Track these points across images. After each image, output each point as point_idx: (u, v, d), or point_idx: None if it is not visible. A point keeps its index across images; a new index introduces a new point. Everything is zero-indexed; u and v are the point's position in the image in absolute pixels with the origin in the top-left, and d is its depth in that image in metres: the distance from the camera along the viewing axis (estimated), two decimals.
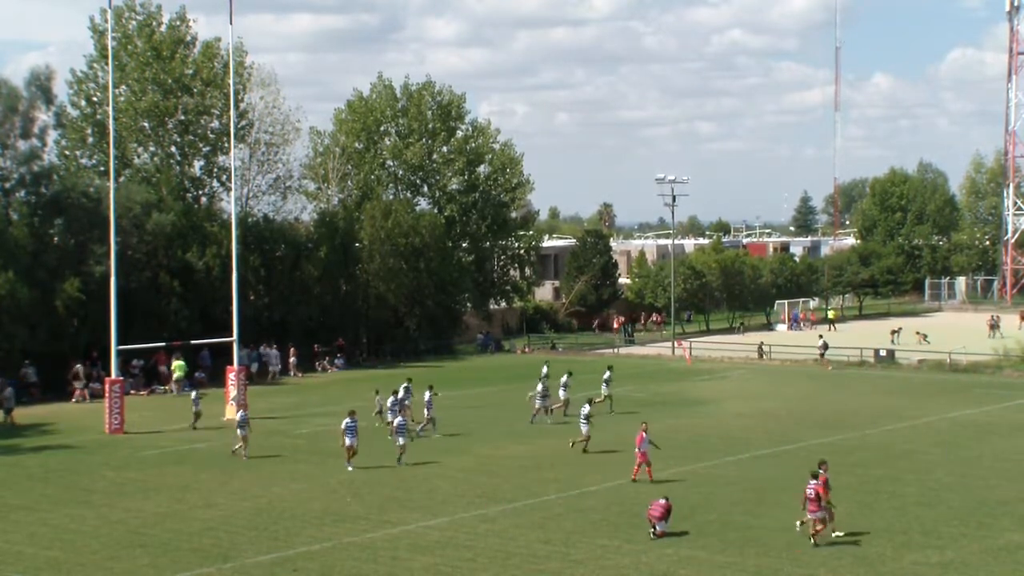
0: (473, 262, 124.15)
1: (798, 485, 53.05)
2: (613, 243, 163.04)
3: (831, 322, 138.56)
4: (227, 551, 42.61)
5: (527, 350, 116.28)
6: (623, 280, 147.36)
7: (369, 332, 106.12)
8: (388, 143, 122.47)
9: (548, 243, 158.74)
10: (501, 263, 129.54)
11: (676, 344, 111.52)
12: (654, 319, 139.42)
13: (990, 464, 58.97)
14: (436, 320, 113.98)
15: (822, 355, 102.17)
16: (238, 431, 59.40)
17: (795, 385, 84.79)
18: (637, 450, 53.38)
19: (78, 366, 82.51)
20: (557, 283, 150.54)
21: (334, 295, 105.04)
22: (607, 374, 72.10)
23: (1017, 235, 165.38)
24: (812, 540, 43.58)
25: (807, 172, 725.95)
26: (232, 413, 72.92)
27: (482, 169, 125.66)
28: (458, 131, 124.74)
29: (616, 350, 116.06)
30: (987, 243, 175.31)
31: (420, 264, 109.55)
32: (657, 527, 44.12)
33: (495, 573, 40.16)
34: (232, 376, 74.16)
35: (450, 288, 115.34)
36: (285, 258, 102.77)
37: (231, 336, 76.96)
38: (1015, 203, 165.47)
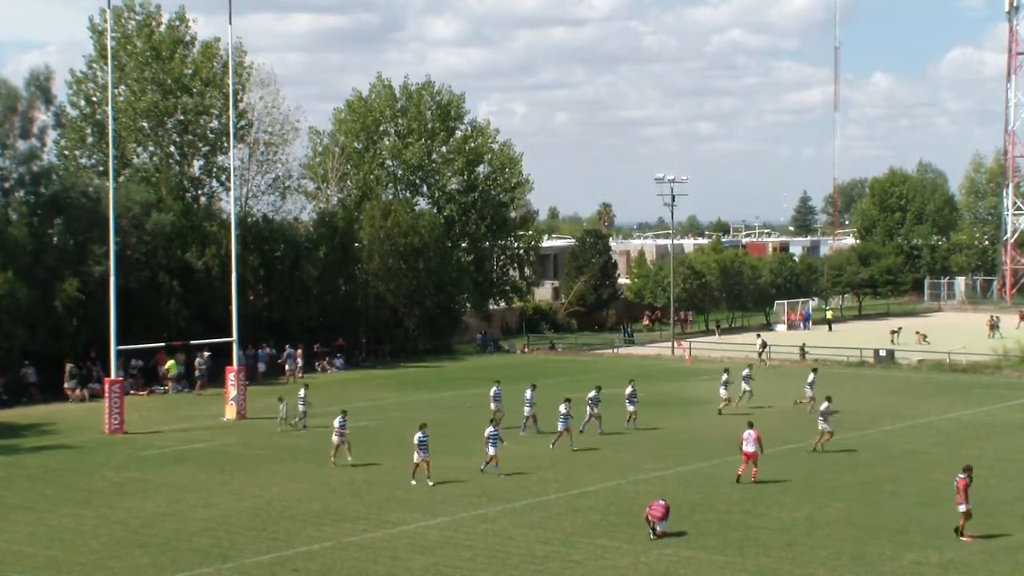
0: (472, 262, 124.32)
1: (797, 485, 53.43)
2: (612, 243, 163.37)
3: (829, 322, 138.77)
4: (227, 551, 42.59)
5: (527, 350, 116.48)
6: (622, 280, 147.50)
7: (368, 332, 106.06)
8: (387, 143, 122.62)
9: (547, 243, 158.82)
10: (500, 263, 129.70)
11: (676, 344, 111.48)
12: (682, 317, 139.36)
13: (990, 464, 58.78)
14: (435, 320, 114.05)
15: (760, 354, 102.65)
16: (335, 438, 57.89)
17: (796, 385, 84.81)
18: (744, 449, 53.58)
19: (69, 366, 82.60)
20: (556, 283, 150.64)
21: (333, 295, 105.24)
22: (629, 388, 70.70)
23: (1016, 235, 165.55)
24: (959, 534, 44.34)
25: (806, 172, 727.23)
26: (232, 413, 73.14)
27: (481, 169, 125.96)
28: (457, 131, 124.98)
29: (615, 350, 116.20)
30: (986, 243, 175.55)
31: (419, 264, 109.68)
32: (657, 527, 44.12)
33: (494, 573, 40.14)
34: (232, 376, 74.21)
35: (449, 288, 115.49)
36: (284, 258, 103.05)
37: (230, 336, 77.12)
38: (1014, 203, 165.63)
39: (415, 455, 52.36)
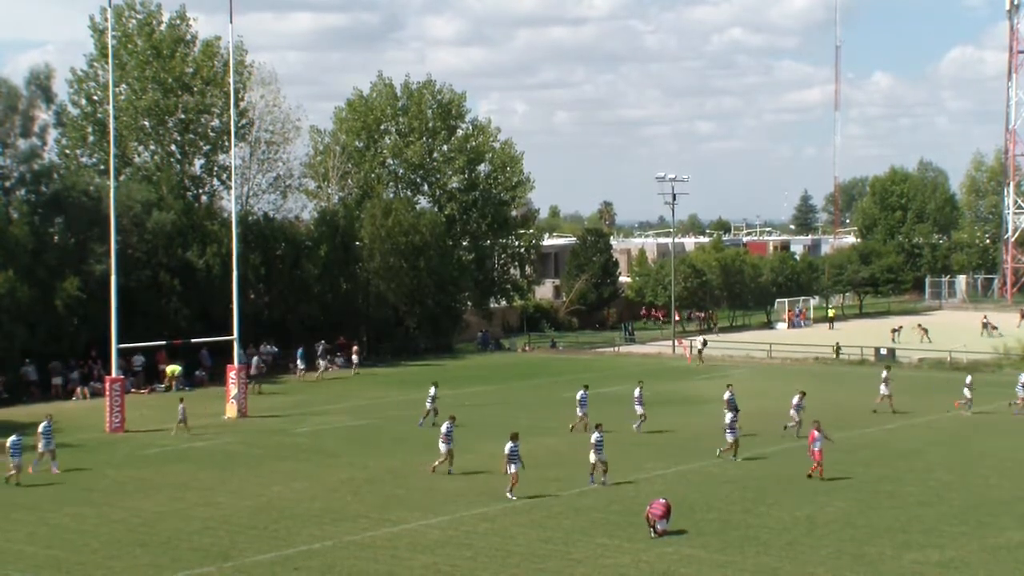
0: (473, 260, 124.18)
1: (798, 483, 53.39)
2: (613, 241, 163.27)
3: (831, 320, 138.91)
4: (227, 550, 42.58)
5: (528, 349, 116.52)
6: (623, 279, 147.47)
7: (369, 331, 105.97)
8: (388, 142, 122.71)
9: (548, 242, 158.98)
10: (501, 261, 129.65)
11: (677, 343, 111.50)
12: (700, 315, 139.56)
13: (990, 463, 59.04)
14: (436, 319, 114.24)
15: (700, 352, 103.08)
16: (442, 446, 55.88)
17: (797, 383, 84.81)
18: (811, 448, 53.96)
19: (54, 362, 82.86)
20: (557, 281, 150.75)
21: (334, 294, 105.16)
22: (638, 391, 70.68)
23: (1017, 234, 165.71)
24: None
25: (807, 171, 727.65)
26: (232, 412, 73.17)
27: (482, 168, 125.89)
28: (458, 130, 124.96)
29: (616, 348, 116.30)
30: (987, 242, 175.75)
31: (420, 263, 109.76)
32: (657, 526, 44.13)
33: (495, 572, 40.12)
34: (232, 375, 74.26)
35: (450, 287, 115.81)
36: (285, 257, 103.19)
37: (231, 335, 77.18)
38: (1015, 201, 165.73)
39: (507, 467, 50.79)
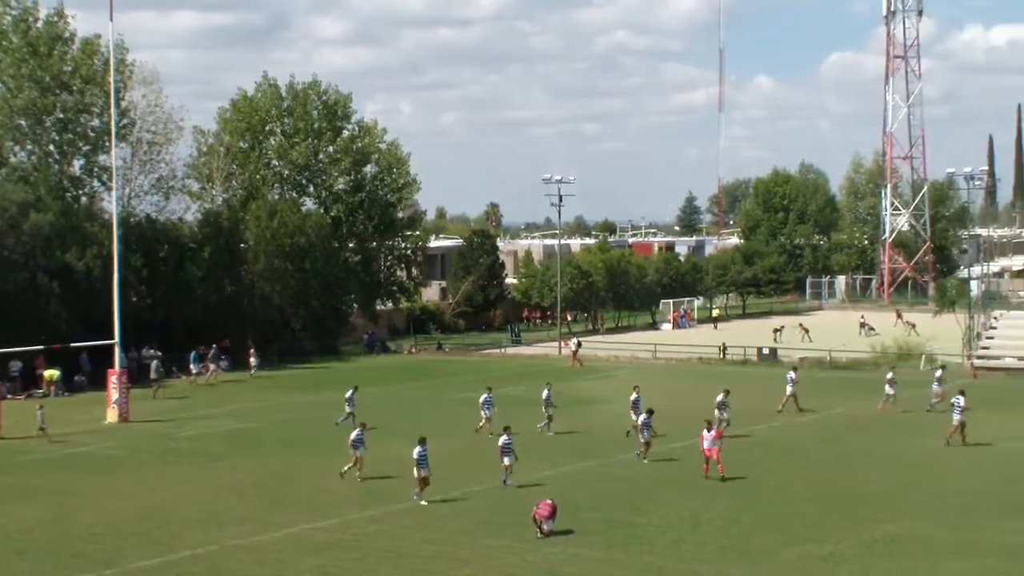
0: (359, 262, 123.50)
1: (684, 481, 53.58)
2: (500, 243, 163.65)
3: (715, 321, 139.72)
4: (110, 556, 42.00)
5: (414, 351, 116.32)
6: (510, 280, 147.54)
7: (254, 333, 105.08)
8: (273, 143, 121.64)
9: (435, 243, 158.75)
10: (388, 263, 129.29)
11: (562, 344, 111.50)
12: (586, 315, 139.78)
13: (870, 458, 59.76)
14: (322, 321, 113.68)
15: (574, 353, 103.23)
16: (352, 450, 54.86)
17: (682, 383, 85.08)
18: (702, 447, 54.35)
19: None
20: (444, 283, 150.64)
21: (219, 296, 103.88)
22: (546, 392, 70.45)
23: (894, 235, 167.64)
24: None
25: (692, 172, 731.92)
26: (114, 417, 72.36)
27: (368, 169, 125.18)
28: (344, 131, 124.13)
29: (503, 350, 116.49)
30: (866, 243, 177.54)
31: (306, 264, 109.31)
32: (544, 526, 44.08)
33: (385, 574, 39.93)
34: (113, 379, 73.36)
35: (336, 289, 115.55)
36: (168, 259, 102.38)
37: (112, 338, 76.13)
38: (892, 204, 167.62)
39: (417, 471, 49.85)
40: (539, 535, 43.94)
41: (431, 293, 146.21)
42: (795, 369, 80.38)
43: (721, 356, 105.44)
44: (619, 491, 52.45)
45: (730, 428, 65.17)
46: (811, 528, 45.90)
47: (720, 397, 66.83)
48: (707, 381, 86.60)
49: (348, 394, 69.62)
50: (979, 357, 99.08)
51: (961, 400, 65.01)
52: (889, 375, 75.51)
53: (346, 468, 54.18)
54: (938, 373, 75.96)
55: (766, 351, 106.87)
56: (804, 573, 40.48)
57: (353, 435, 54.82)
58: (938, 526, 46.39)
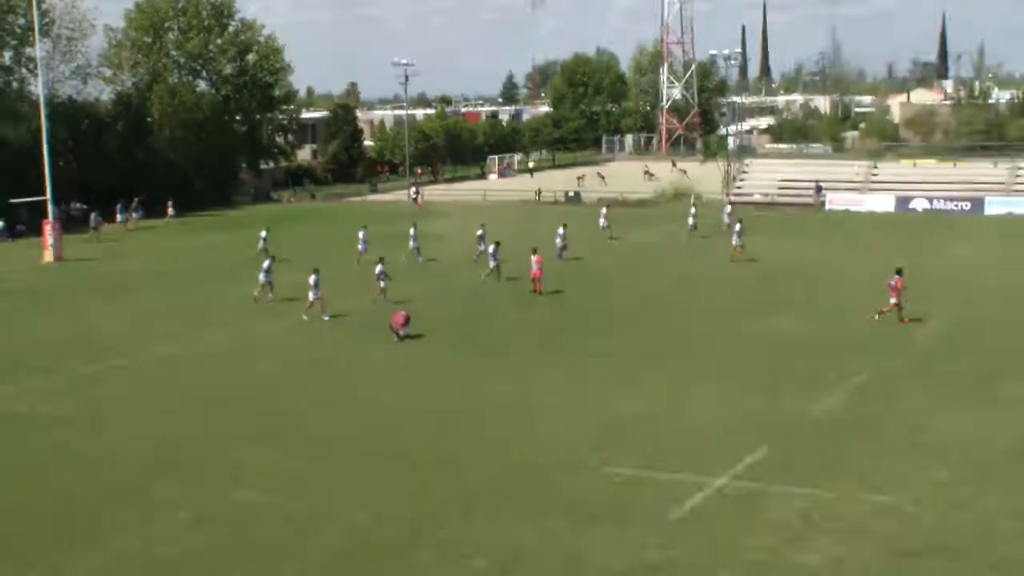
0: (246, 131, 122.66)
1: (517, 297, 54.20)
2: (359, 114, 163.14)
3: (531, 171, 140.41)
4: (50, 365, 42.52)
5: (292, 200, 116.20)
6: (368, 143, 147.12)
7: (163, 191, 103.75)
8: (171, 37, 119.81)
9: (306, 115, 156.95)
10: (269, 131, 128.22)
11: (411, 192, 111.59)
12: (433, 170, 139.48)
13: (658, 273, 61.01)
14: (218, 179, 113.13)
15: (415, 199, 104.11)
16: (262, 278, 54.50)
17: (504, 216, 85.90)
18: (533, 269, 55.64)
19: None
20: (315, 146, 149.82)
21: (131, 161, 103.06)
22: (412, 231, 70.19)
23: (670, 102, 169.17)
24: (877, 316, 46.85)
25: (513, 54, 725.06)
26: (50, 257, 71.80)
27: (251, 57, 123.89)
28: (229, 26, 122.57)
29: (364, 198, 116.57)
30: (648, 109, 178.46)
31: (202, 135, 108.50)
32: (400, 332, 44.81)
33: (269, 369, 40.48)
34: (48, 228, 73.27)
35: (227, 153, 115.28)
36: (88, 132, 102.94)
37: (45, 196, 76.93)
38: (668, 79, 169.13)
39: (310, 294, 50.08)
40: (396, 340, 44.67)
41: (304, 154, 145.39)
42: (607, 206, 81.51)
43: (537, 199, 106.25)
44: (462, 305, 53.24)
45: (565, 253, 66.43)
46: (605, 329, 47.11)
47: (561, 230, 67.88)
48: (528, 219, 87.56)
49: (262, 234, 69.51)
50: (735, 194, 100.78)
51: (738, 226, 67.74)
52: (721, 209, 76.55)
53: (256, 293, 54.28)
54: (727, 208, 76.19)
55: (571, 194, 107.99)
56: (602, 360, 41.56)
57: (264, 265, 55.05)
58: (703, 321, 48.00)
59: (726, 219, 77.36)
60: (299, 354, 43.52)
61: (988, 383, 38.09)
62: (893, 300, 47.91)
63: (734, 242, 67.04)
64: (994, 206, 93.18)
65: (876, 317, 47.63)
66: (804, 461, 30.08)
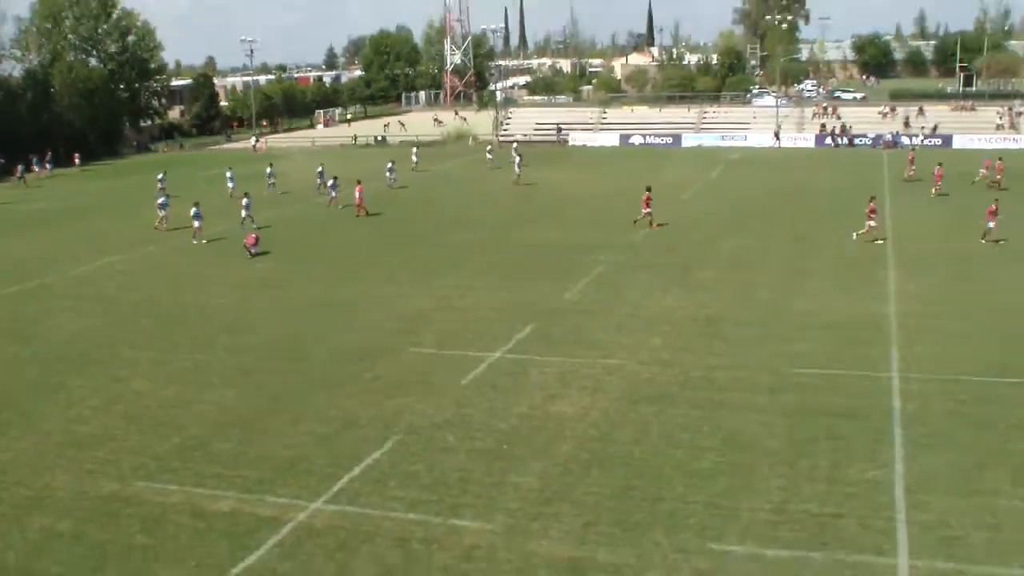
0: (128, 97, 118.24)
1: (348, 220, 53.49)
2: (216, 81, 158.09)
3: (348, 121, 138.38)
4: None
5: (166, 150, 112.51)
6: (223, 103, 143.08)
7: (67, 146, 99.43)
8: (68, 23, 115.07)
9: (175, 83, 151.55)
10: (146, 97, 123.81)
11: (252, 141, 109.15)
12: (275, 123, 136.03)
13: (457, 194, 60.73)
14: (108, 135, 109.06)
15: (255, 146, 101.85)
16: (159, 211, 52.26)
17: (331, 157, 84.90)
18: (356, 196, 54.80)
19: None
20: (182, 107, 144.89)
21: (39, 123, 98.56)
22: (269, 169, 68.47)
23: (452, 66, 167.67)
24: (856, 235, 44.39)
25: (333, 30, 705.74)
26: None
27: (131, 38, 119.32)
28: (113, 14, 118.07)
29: (222, 146, 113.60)
30: (436, 71, 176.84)
31: (94, 100, 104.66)
32: (251, 251, 44.05)
33: (163, 283, 39.35)
34: None
35: (115, 115, 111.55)
36: (4, 102, 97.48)
37: None
38: (451, 48, 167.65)
39: (193, 223, 48.47)
40: (249, 256, 43.88)
41: (174, 114, 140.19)
42: (417, 147, 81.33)
43: (354, 142, 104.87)
44: (297, 228, 52.39)
45: (395, 183, 66.06)
46: (413, 241, 46.96)
47: (391, 164, 67.47)
48: (350, 159, 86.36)
49: (160, 176, 67.30)
50: (502, 135, 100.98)
51: (519, 159, 69.27)
52: (494, 145, 76.51)
53: (156, 224, 52.56)
54: (517, 159, 75.13)
55: (379, 137, 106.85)
56: (409, 266, 41.40)
57: (160, 201, 53.49)
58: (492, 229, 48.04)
59: (489, 156, 79.02)
60: (181, 270, 42.40)
61: (686, 272, 39.12)
62: (645, 211, 48.87)
63: (516, 171, 67.56)
64: (688, 140, 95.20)
65: (635, 223, 48.70)
66: (559, 336, 30.56)
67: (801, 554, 17.56)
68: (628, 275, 38.71)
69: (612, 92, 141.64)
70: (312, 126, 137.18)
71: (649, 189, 49.83)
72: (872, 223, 44.19)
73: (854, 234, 44.63)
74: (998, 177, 59.80)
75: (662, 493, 19.93)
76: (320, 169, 66.18)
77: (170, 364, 29.00)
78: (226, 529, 18.96)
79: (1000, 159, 62.66)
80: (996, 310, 32.22)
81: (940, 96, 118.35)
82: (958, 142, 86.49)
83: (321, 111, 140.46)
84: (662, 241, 45.80)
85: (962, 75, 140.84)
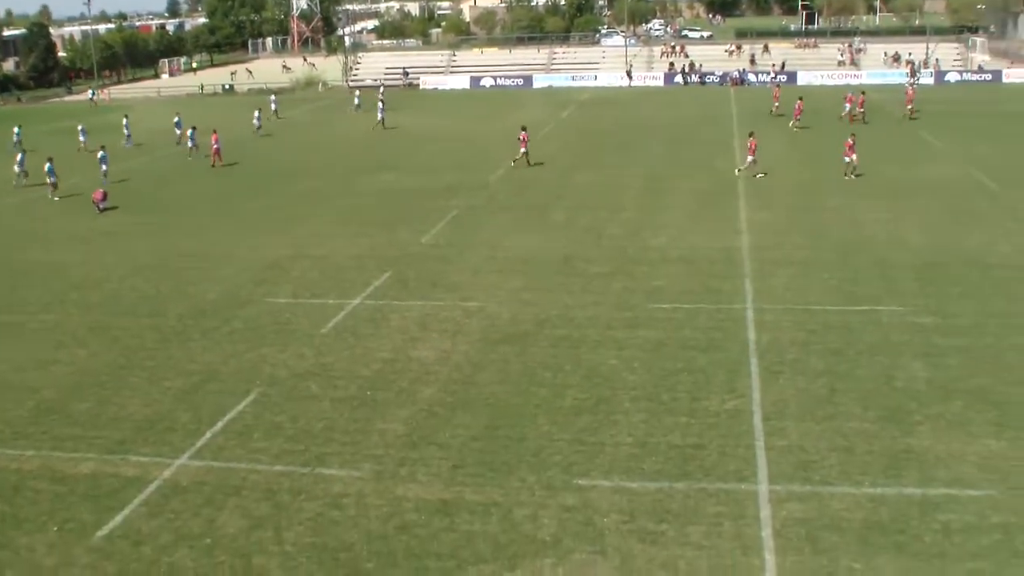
0: None
1: (205, 169, 52.18)
2: (52, 31, 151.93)
3: (194, 70, 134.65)
4: None
5: (2, 104, 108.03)
6: (62, 54, 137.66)
7: None
8: None
9: (7, 33, 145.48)
10: None
11: (92, 93, 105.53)
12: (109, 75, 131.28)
13: (321, 142, 59.72)
14: None
15: (92, 100, 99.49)
16: (48, 178, 48.13)
17: (179, 107, 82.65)
18: (213, 146, 53.83)
19: None
20: (17, 59, 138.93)
21: None
22: (125, 121, 65.99)
23: (299, 11, 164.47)
24: (738, 171, 44.91)
25: None
26: None
27: None
28: None
29: (62, 98, 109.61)
30: (282, 16, 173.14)
31: None
32: (99, 206, 42.78)
33: (14, 243, 37.88)
34: None
35: None
36: None
37: None
38: None
39: (48, 179, 46.51)
40: (98, 211, 42.61)
41: (8, 66, 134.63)
42: (276, 94, 79.76)
43: (201, 91, 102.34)
44: (160, 181, 50.96)
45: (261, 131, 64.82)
46: (266, 190, 46.06)
47: (258, 112, 67.25)
48: (202, 107, 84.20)
49: (15, 130, 64.22)
50: (352, 80, 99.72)
51: (382, 105, 68.25)
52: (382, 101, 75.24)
53: (14, 180, 50.21)
54: (380, 104, 73.14)
55: (227, 86, 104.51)
56: (263, 215, 40.65)
57: (18, 158, 50.93)
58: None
59: (356, 100, 77.92)
60: (29, 227, 40.67)
61: (540, 212, 39.30)
62: (523, 150, 48.92)
63: (379, 116, 66.99)
64: (539, 81, 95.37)
65: (512, 164, 48.73)
66: (416, 281, 30.40)
67: (665, 485, 17.89)
68: (484, 217, 38.71)
69: (461, 35, 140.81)
70: (157, 76, 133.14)
71: (524, 128, 50.04)
72: (752, 158, 45.09)
73: (736, 169, 45.52)
74: (860, 110, 61.75)
75: (527, 432, 20.06)
76: (177, 119, 64.37)
77: (20, 325, 27.93)
78: (88, 492, 18.40)
79: (863, 93, 64.68)
80: (846, 242, 33.23)
81: (784, 34, 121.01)
82: (802, 78, 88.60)
83: (166, 60, 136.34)
84: (516, 182, 45.86)
85: (804, 13, 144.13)
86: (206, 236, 37.49)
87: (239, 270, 32.37)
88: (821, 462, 18.49)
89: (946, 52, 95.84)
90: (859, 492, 17.45)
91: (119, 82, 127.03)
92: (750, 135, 46.47)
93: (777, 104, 65.89)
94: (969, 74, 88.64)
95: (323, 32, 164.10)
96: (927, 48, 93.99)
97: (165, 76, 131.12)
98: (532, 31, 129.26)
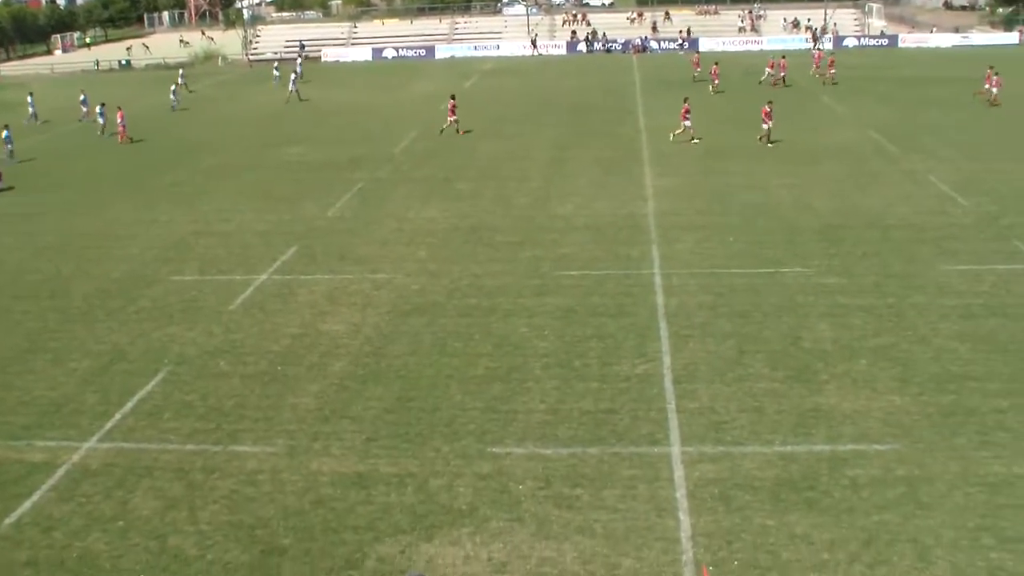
0: None
1: (112, 146, 50.90)
2: None
3: (88, 45, 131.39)
4: None
5: None
6: None
7: None
8: None
9: None
10: None
11: None
12: None
13: (236, 113, 58.72)
14: None
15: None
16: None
17: (78, 84, 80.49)
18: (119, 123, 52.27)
19: None
20: None
21: None
22: (30, 98, 63.98)
23: None
24: (672, 136, 44.95)
25: None
26: None
27: None
28: None
29: None
30: None
31: None
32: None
33: None
34: None
35: None
36: None
37: None
38: None
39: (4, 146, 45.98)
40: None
41: None
42: (183, 68, 78.84)
43: (97, 68, 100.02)
44: (63, 159, 49.64)
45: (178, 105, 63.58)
46: (172, 165, 45.23)
47: (174, 87, 65.82)
48: (102, 84, 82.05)
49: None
50: (252, 54, 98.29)
51: (294, 77, 67.79)
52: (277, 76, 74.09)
53: None
54: (293, 77, 69.14)
55: (124, 62, 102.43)
56: (166, 191, 39.92)
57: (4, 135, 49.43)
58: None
59: (276, 73, 77.25)
60: None
61: (446, 183, 39.20)
62: (452, 118, 48.98)
63: (290, 89, 66.10)
64: (441, 52, 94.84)
65: (440, 132, 48.82)
66: (324, 254, 30.13)
67: (579, 450, 18.04)
68: (389, 189, 38.49)
69: (362, 6, 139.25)
70: (50, 52, 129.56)
71: (454, 97, 50.34)
72: (687, 123, 45.43)
73: (671, 135, 45.85)
74: (782, 74, 62.68)
75: (439, 402, 20.07)
76: (83, 97, 62.66)
77: None
78: None
79: (783, 57, 65.55)
80: (750, 205, 33.69)
81: (685, 1, 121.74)
82: (704, 45, 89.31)
83: (58, 36, 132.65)
84: (421, 153, 45.63)
85: None
86: (110, 214, 36.62)
87: (144, 248, 31.73)
88: (732, 423, 18.79)
89: (844, 18, 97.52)
90: (770, 451, 17.78)
91: (8, 59, 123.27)
92: (684, 100, 46.81)
93: (698, 70, 66.59)
94: (867, 39, 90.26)
95: (221, 5, 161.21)
96: (825, 14, 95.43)
97: (58, 52, 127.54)
98: (433, 2, 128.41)
